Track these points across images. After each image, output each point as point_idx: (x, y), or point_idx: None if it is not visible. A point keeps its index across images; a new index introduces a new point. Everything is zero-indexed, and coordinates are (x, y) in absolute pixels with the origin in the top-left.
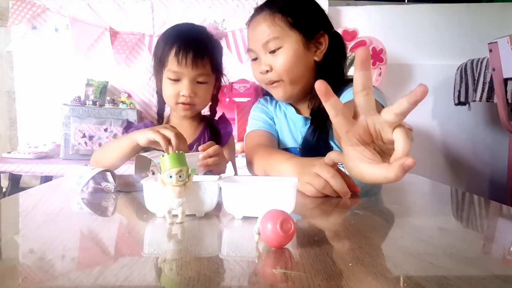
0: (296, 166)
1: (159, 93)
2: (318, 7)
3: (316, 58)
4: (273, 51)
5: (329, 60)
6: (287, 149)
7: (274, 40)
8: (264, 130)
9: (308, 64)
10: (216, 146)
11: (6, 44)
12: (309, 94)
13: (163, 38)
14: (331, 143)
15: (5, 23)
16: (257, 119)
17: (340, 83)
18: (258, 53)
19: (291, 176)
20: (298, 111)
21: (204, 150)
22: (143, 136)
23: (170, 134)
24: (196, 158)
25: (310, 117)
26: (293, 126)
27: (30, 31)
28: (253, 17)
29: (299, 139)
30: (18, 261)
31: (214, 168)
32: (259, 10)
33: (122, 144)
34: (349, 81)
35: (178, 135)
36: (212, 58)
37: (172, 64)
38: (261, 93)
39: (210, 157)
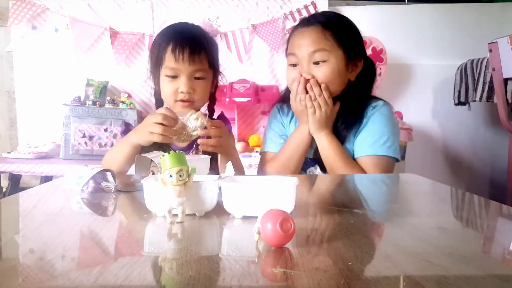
0: None
1: (157, 94)
2: (359, 33)
3: (351, 78)
4: (317, 63)
5: (361, 81)
6: None
7: (322, 51)
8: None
9: (344, 81)
10: (218, 129)
11: (6, 44)
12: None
13: (159, 37)
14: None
15: (5, 23)
16: (273, 138)
17: (365, 101)
18: (301, 61)
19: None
20: None
21: (210, 126)
22: (142, 139)
23: (159, 129)
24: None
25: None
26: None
27: (30, 31)
28: (302, 26)
29: (310, 150)
30: (18, 261)
31: (219, 150)
32: (309, 22)
33: (123, 149)
34: (373, 96)
35: (166, 117)
36: (209, 54)
37: (169, 61)
38: (260, 94)
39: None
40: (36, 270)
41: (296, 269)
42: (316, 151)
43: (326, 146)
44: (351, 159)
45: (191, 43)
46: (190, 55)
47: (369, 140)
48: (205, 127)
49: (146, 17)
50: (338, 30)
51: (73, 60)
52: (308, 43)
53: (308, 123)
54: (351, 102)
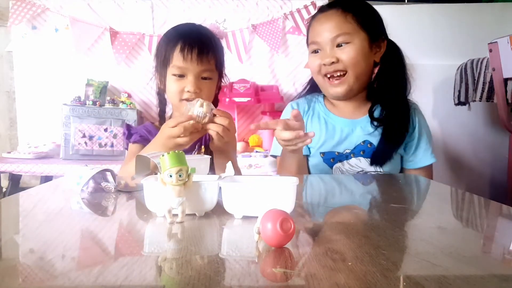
0: None
1: (161, 93)
2: (379, 15)
3: (376, 59)
4: (340, 45)
5: (387, 64)
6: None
7: (344, 35)
8: None
9: (370, 63)
10: (226, 119)
11: (6, 44)
12: (361, 94)
13: (166, 36)
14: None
15: (5, 23)
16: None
17: (402, 89)
18: (324, 46)
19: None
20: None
21: (220, 114)
22: (171, 146)
23: (186, 139)
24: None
25: (365, 120)
26: (336, 131)
27: (30, 31)
28: (320, 12)
29: (347, 143)
30: (18, 261)
31: (222, 146)
32: (328, 7)
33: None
34: (408, 100)
35: (185, 127)
36: (216, 55)
37: (177, 60)
38: (260, 94)
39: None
40: (36, 270)
41: (296, 269)
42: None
43: None
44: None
45: (200, 43)
46: (199, 55)
47: (428, 147)
48: (214, 115)
49: (146, 17)
50: (358, 12)
51: (73, 60)
52: (330, 28)
53: None
54: (385, 87)
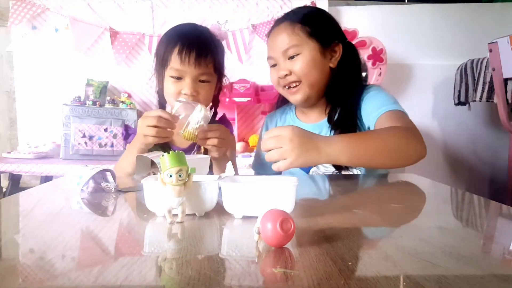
0: None
1: (160, 93)
2: (333, 19)
3: (331, 65)
4: (292, 57)
5: (343, 67)
6: None
7: (293, 47)
8: None
9: (324, 69)
10: (218, 131)
11: (6, 44)
12: (322, 100)
13: (166, 37)
14: None
15: (5, 23)
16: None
17: (356, 88)
18: (277, 60)
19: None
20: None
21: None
22: (142, 142)
23: (153, 132)
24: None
25: (322, 123)
26: None
27: (30, 31)
28: (273, 27)
29: None
30: (18, 261)
31: (222, 156)
32: (279, 21)
33: (130, 156)
34: (365, 86)
35: (160, 119)
36: (215, 58)
37: (175, 62)
38: (260, 94)
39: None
40: (36, 270)
41: (296, 269)
42: None
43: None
44: (381, 129)
45: (198, 46)
46: (196, 58)
47: (375, 104)
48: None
49: (146, 17)
50: (306, 22)
51: (73, 60)
52: (280, 42)
53: None
54: (341, 90)
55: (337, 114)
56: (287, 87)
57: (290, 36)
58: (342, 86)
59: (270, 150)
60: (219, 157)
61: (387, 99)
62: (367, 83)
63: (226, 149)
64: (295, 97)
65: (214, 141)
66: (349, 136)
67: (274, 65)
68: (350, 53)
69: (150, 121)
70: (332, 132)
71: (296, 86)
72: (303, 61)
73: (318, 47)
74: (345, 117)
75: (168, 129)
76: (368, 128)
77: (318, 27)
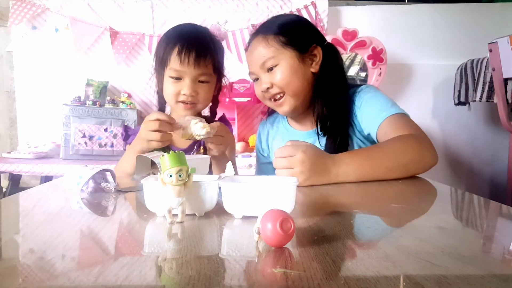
0: None
1: (160, 93)
2: (307, 23)
3: (313, 70)
4: (270, 69)
5: (326, 70)
6: None
7: (270, 59)
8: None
9: (306, 76)
10: (222, 138)
11: (6, 44)
12: (311, 107)
13: (165, 37)
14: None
15: (5, 23)
16: (258, 157)
17: (342, 90)
18: (258, 74)
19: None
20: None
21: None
22: (144, 147)
23: (157, 136)
24: (197, 159)
25: (316, 130)
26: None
27: (30, 31)
28: (249, 43)
29: None
30: (18, 261)
31: (221, 154)
32: (253, 36)
33: (130, 158)
34: (352, 85)
35: (162, 124)
36: (214, 58)
37: (174, 63)
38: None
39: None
40: (36, 270)
41: (296, 269)
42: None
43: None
44: (392, 143)
45: (197, 47)
46: (196, 59)
47: (375, 111)
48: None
49: (146, 17)
50: (279, 32)
51: (73, 60)
52: (256, 57)
53: None
54: (327, 94)
55: (327, 121)
56: (272, 100)
57: (265, 48)
58: (327, 90)
59: (280, 167)
60: (219, 156)
61: (385, 102)
62: (366, 83)
63: (225, 147)
64: (282, 108)
65: (213, 139)
66: (360, 155)
67: (256, 79)
68: (331, 54)
69: (152, 126)
70: (324, 139)
71: (280, 97)
72: (282, 71)
73: (295, 54)
74: (335, 124)
75: (169, 132)
76: (369, 134)
77: (292, 34)
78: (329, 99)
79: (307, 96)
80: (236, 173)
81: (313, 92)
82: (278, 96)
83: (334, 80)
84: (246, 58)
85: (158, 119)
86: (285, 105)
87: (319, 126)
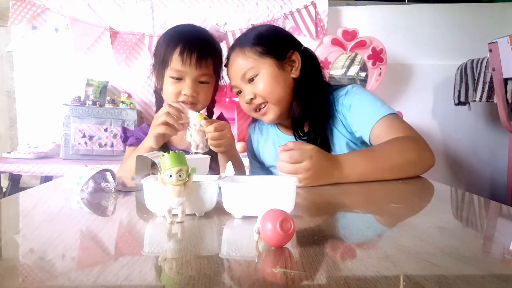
0: None
1: (158, 92)
2: (282, 30)
3: (294, 75)
4: (251, 80)
5: (305, 75)
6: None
7: (249, 70)
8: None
9: (287, 82)
10: (219, 123)
11: (6, 44)
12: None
13: (166, 37)
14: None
15: (5, 23)
16: (249, 160)
17: (320, 92)
18: (240, 86)
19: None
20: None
21: (210, 124)
22: (153, 142)
23: (163, 128)
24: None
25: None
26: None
27: (30, 31)
28: (227, 58)
29: None
30: (18, 261)
31: (219, 150)
32: (230, 50)
33: None
34: (336, 86)
35: (169, 115)
36: (215, 59)
37: (176, 63)
38: None
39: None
40: (36, 270)
41: (296, 269)
42: None
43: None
44: (390, 145)
45: (199, 48)
46: (198, 60)
47: (366, 113)
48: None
49: (146, 17)
50: (255, 42)
51: (73, 60)
52: (236, 70)
53: None
54: (304, 97)
55: (303, 124)
56: (257, 110)
57: (243, 60)
58: (305, 93)
59: (285, 172)
60: (227, 153)
61: (375, 103)
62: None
63: (226, 142)
64: (267, 117)
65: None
66: (362, 157)
67: (239, 92)
68: (309, 58)
69: (160, 119)
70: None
71: (264, 106)
72: (263, 80)
73: (274, 62)
74: (313, 127)
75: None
76: (360, 137)
77: (268, 43)
78: (306, 102)
79: (290, 103)
80: (243, 169)
81: (293, 97)
82: (262, 106)
83: (312, 84)
84: (227, 72)
85: (167, 112)
86: (269, 114)
87: (297, 129)
